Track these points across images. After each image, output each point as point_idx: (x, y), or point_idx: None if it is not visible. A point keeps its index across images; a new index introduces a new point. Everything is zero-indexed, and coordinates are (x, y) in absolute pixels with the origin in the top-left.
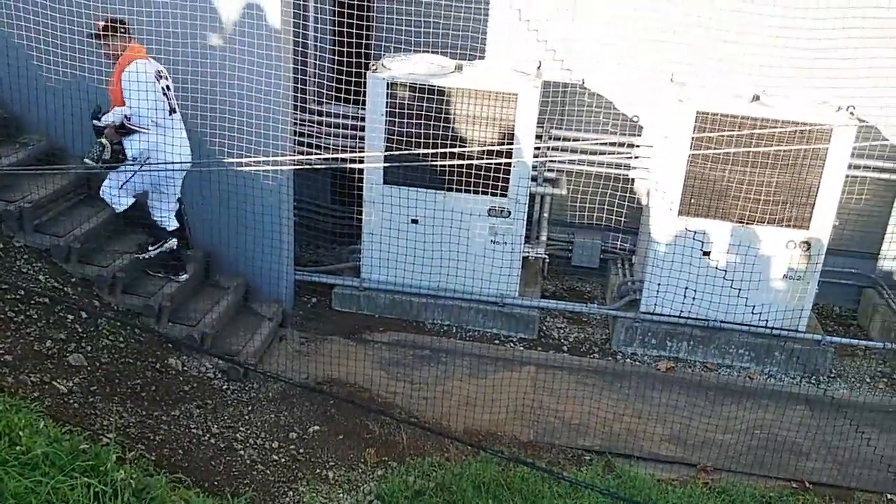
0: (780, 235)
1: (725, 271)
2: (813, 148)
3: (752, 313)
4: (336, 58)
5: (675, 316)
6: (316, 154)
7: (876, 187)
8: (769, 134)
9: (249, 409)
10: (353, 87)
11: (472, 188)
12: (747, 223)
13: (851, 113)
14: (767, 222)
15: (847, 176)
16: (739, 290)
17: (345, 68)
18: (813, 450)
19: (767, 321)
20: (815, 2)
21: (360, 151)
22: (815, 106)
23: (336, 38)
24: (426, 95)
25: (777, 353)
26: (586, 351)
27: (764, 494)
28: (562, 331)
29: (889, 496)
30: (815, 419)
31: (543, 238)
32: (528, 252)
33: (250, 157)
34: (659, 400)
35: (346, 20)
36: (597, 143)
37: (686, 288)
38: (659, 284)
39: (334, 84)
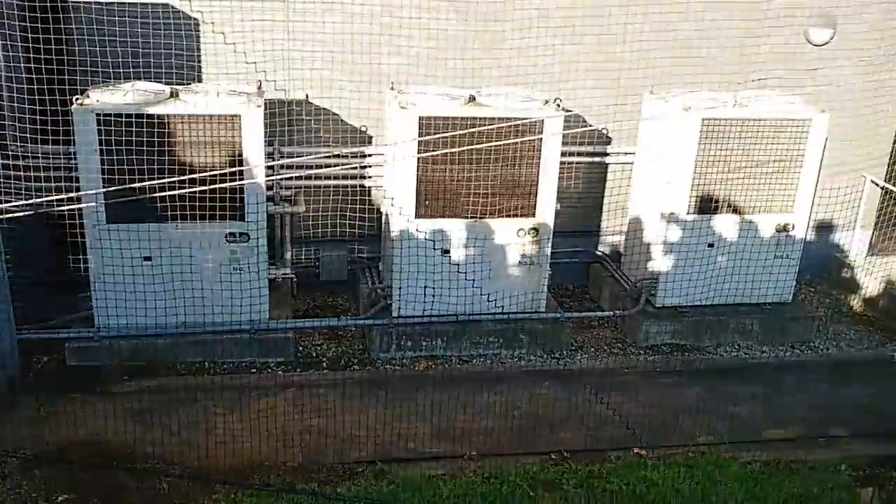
0: (510, 225)
1: (465, 266)
2: (527, 140)
3: (489, 301)
4: (36, 95)
5: (426, 316)
6: (23, 201)
7: (589, 170)
8: (487, 131)
9: None
10: (60, 125)
11: (205, 216)
12: (480, 218)
13: (558, 105)
14: (498, 215)
15: (563, 163)
16: (474, 281)
17: (48, 106)
18: (565, 421)
19: (510, 307)
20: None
21: (76, 191)
22: (525, 101)
23: (33, 75)
24: (144, 125)
25: (523, 336)
26: (346, 364)
27: (528, 471)
28: (319, 348)
29: (636, 450)
30: (563, 392)
31: (288, 258)
32: (274, 274)
33: None
34: (422, 399)
35: (42, 55)
36: (328, 157)
37: (433, 287)
38: (406, 287)
39: (38, 123)
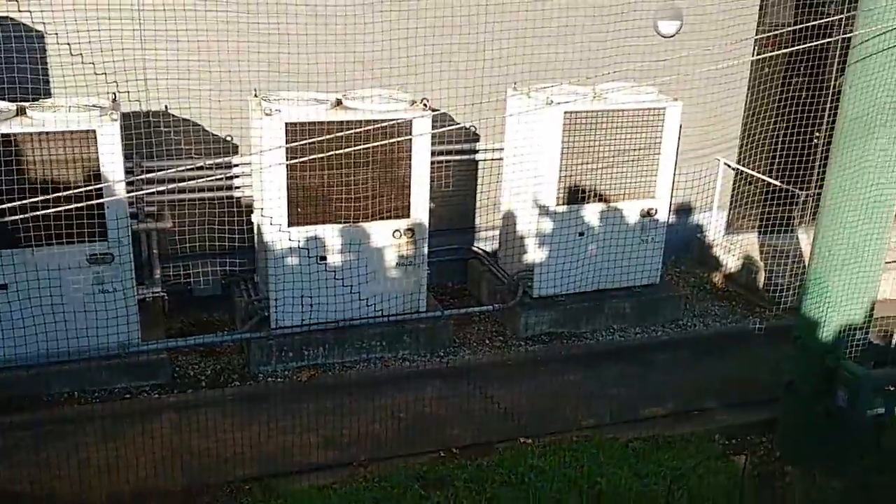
0: (386, 227)
1: (343, 272)
2: (396, 142)
3: (367, 306)
4: None
5: (305, 325)
6: None
7: (461, 168)
8: (357, 134)
9: None
10: None
11: (64, 238)
12: (355, 221)
13: (425, 105)
14: (373, 217)
15: (434, 162)
16: (352, 287)
17: None
18: (452, 417)
19: (391, 309)
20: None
21: None
22: (392, 103)
23: None
24: None
25: (406, 337)
26: (226, 381)
27: (418, 471)
28: (197, 367)
29: (522, 439)
30: (449, 389)
31: (158, 276)
32: (144, 294)
33: None
34: (307, 409)
35: None
36: (192, 169)
37: (311, 296)
38: (283, 297)
39: None
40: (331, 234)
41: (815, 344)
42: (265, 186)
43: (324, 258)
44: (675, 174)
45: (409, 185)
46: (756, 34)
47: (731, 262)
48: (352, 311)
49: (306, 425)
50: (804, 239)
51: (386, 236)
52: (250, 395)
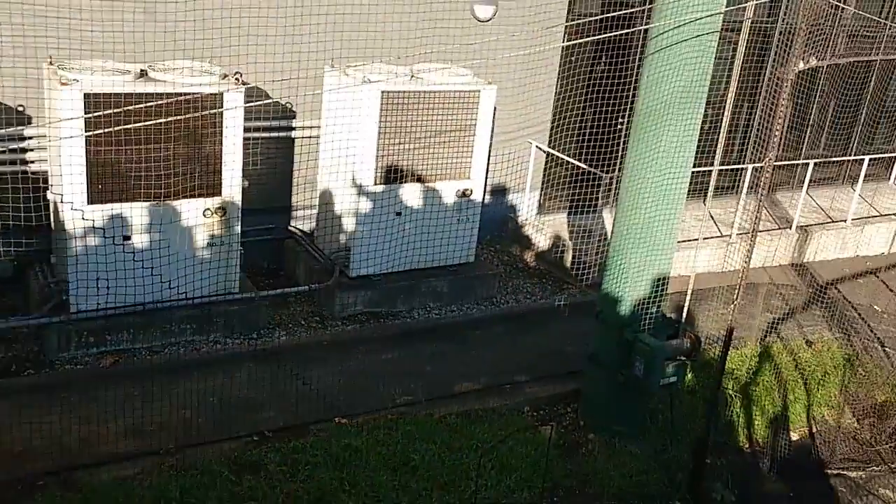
0: (195, 206)
1: (149, 252)
2: (206, 116)
3: (170, 288)
4: None
5: (107, 309)
6: None
7: (277, 145)
8: (161, 107)
9: None
10: None
11: None
12: (163, 200)
13: (238, 79)
14: (182, 195)
15: (247, 139)
16: (159, 267)
17: None
18: (266, 401)
19: (201, 291)
20: None
21: None
22: (202, 76)
23: None
24: None
25: (217, 319)
26: (18, 370)
27: (229, 456)
28: None
29: (337, 419)
30: (263, 371)
31: None
32: None
33: None
34: (110, 397)
35: None
36: None
37: (114, 277)
38: (83, 280)
39: None
40: (136, 213)
41: (614, 318)
42: (62, 161)
43: (128, 238)
44: (489, 156)
45: (221, 163)
46: (566, 21)
47: (542, 241)
48: (159, 293)
49: (109, 414)
50: (608, 219)
51: (196, 215)
52: (46, 385)
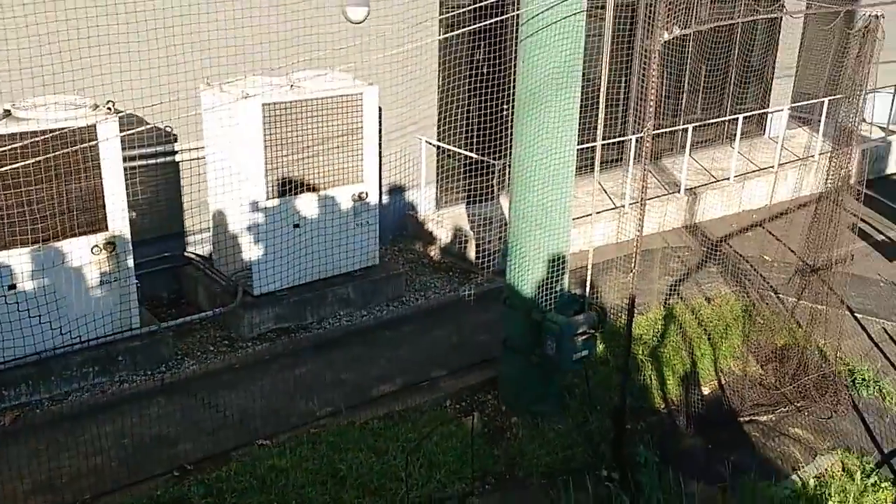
0: (82, 244)
1: (37, 298)
2: (80, 150)
3: (62, 334)
4: None
5: (1, 363)
6: None
7: (162, 171)
8: (31, 147)
9: None
10: None
11: None
12: (47, 242)
13: (110, 108)
14: (67, 235)
15: (129, 168)
16: (49, 314)
17: None
18: (181, 434)
19: (99, 331)
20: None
21: None
22: (72, 109)
23: None
24: None
25: (121, 358)
26: None
27: (150, 496)
28: None
29: (259, 442)
30: (174, 404)
31: None
32: None
33: None
34: (14, 455)
35: None
36: None
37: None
38: None
39: None
40: (18, 260)
41: (521, 301)
42: None
43: (13, 287)
44: (381, 157)
45: (103, 196)
46: (440, 15)
47: (444, 235)
48: (52, 339)
49: (13, 473)
50: (505, 205)
51: (83, 254)
52: None
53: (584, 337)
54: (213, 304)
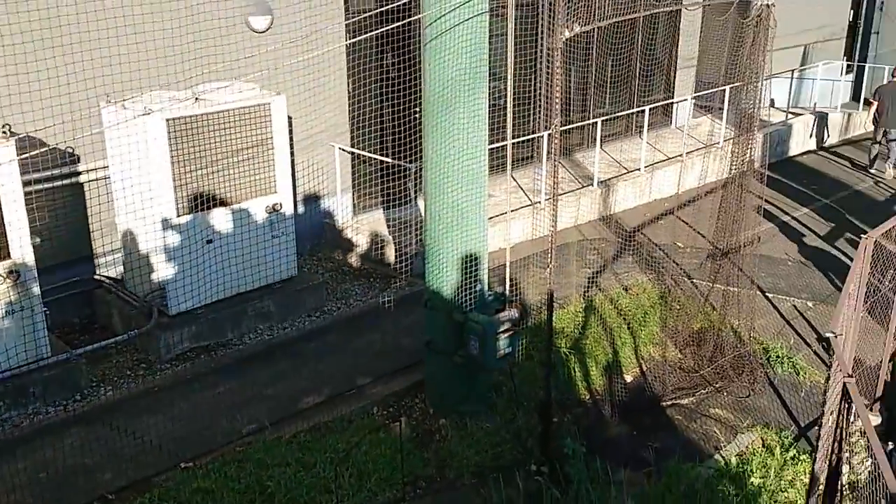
0: None
1: None
2: None
3: None
4: None
5: None
6: None
7: (65, 193)
8: None
9: None
10: None
11: None
12: None
13: (5, 131)
14: None
15: (29, 193)
16: None
17: None
18: (101, 463)
19: (6, 363)
20: None
21: None
22: None
23: None
24: None
25: (33, 389)
26: None
27: None
28: None
29: (182, 465)
30: (91, 434)
31: None
32: None
33: None
34: None
35: None
36: None
37: None
38: None
39: None
40: None
41: (441, 303)
42: None
43: None
44: (293, 166)
45: (3, 224)
46: (345, 20)
47: (363, 241)
48: None
49: None
50: (422, 208)
51: None
52: None
53: (507, 334)
54: (128, 326)
